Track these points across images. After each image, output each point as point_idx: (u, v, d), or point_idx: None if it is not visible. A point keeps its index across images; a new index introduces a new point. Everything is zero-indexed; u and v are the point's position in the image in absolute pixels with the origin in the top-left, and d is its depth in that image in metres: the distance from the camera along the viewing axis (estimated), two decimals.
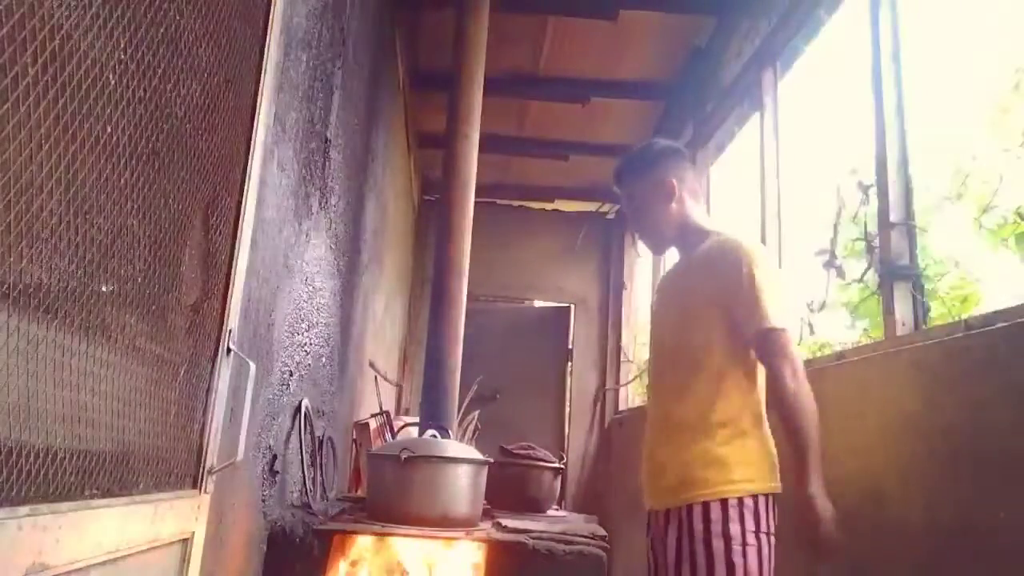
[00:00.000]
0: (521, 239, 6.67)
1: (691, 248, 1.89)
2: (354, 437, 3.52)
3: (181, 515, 1.18)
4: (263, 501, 1.95)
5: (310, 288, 2.32)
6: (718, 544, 1.63)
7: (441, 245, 2.90)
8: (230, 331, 1.34)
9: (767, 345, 1.67)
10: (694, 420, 1.74)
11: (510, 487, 2.76)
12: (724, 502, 1.65)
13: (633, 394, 6.24)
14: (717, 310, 1.74)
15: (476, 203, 3.00)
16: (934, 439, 1.83)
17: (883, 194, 2.29)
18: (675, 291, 1.94)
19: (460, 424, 2.90)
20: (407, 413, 5.33)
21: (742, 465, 1.68)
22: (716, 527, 1.64)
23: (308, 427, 2.35)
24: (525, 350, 7.02)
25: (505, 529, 2.23)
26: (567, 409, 6.60)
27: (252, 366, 1.46)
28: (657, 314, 2.05)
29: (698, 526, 1.66)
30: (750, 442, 1.70)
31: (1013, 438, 1.55)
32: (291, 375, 2.16)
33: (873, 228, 2.39)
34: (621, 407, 6.14)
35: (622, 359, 6.30)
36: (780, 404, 1.64)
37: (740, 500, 1.66)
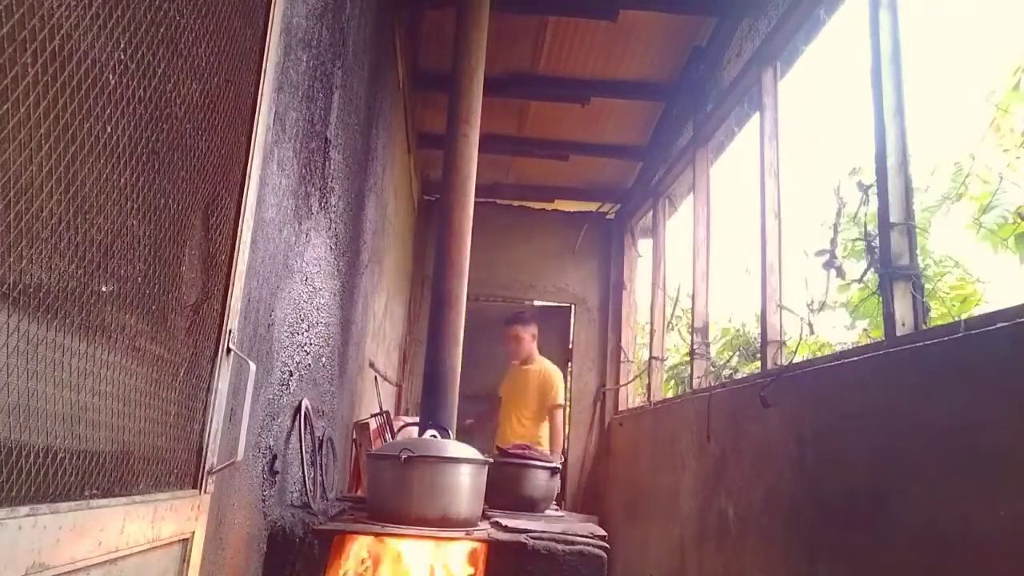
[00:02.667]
0: (521, 239, 6.67)
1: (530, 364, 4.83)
2: (354, 437, 3.51)
3: (181, 515, 1.18)
4: (263, 501, 1.95)
5: (310, 288, 2.32)
6: None
7: (441, 245, 2.90)
8: (230, 331, 1.34)
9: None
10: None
11: (507, 487, 2.76)
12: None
13: (633, 394, 6.24)
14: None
15: (476, 203, 3.00)
16: (934, 438, 1.83)
17: (883, 194, 2.29)
18: (524, 380, 4.79)
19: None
20: (407, 413, 5.33)
21: None
22: None
23: (308, 427, 2.35)
24: None
25: (505, 529, 2.23)
26: (567, 409, 6.59)
27: (252, 366, 1.46)
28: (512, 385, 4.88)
29: None
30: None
31: (1012, 438, 1.55)
32: (291, 375, 2.15)
33: (873, 228, 2.39)
34: (621, 407, 6.14)
35: (622, 359, 6.30)
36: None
37: None
